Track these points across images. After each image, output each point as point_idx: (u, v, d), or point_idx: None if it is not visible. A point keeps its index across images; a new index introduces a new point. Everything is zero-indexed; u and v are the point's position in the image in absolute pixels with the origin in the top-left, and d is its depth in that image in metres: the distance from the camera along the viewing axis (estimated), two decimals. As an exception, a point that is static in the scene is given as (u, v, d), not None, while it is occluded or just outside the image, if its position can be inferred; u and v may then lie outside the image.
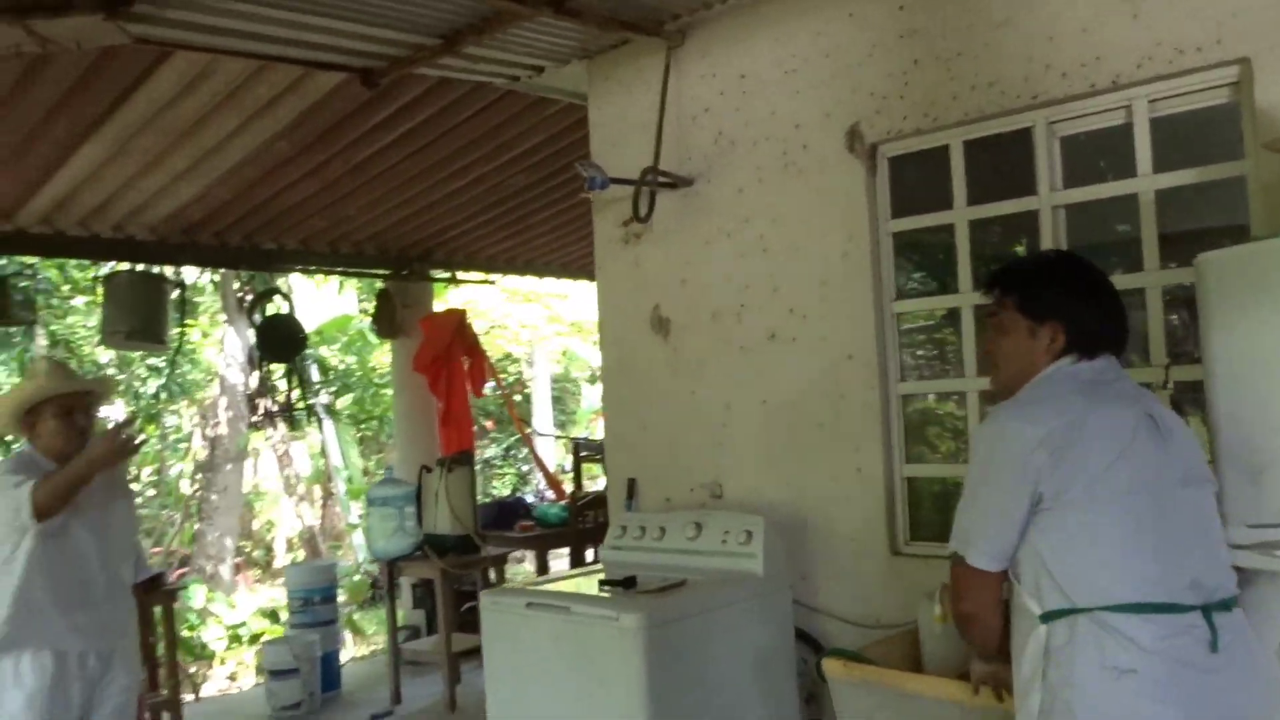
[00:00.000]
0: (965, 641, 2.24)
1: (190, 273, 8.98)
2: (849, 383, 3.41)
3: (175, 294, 6.11)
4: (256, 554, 10.63)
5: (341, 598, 9.16)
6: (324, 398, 9.74)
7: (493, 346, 12.21)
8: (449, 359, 6.70)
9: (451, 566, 5.53)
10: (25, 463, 3.17)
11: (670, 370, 3.90)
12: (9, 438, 5.88)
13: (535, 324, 12.65)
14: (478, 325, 12.05)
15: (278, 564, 10.15)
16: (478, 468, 12.77)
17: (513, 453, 13.40)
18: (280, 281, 9.16)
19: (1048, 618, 1.91)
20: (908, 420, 3.40)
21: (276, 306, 6.55)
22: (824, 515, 3.48)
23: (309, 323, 10.28)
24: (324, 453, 10.87)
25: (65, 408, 3.20)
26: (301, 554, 10.21)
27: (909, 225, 3.38)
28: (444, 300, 8.73)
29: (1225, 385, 2.09)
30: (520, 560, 9.44)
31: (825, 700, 3.40)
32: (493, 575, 5.79)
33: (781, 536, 3.41)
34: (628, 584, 3.21)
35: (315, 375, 9.78)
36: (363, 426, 10.61)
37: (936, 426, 3.60)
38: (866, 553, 3.39)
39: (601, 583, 3.29)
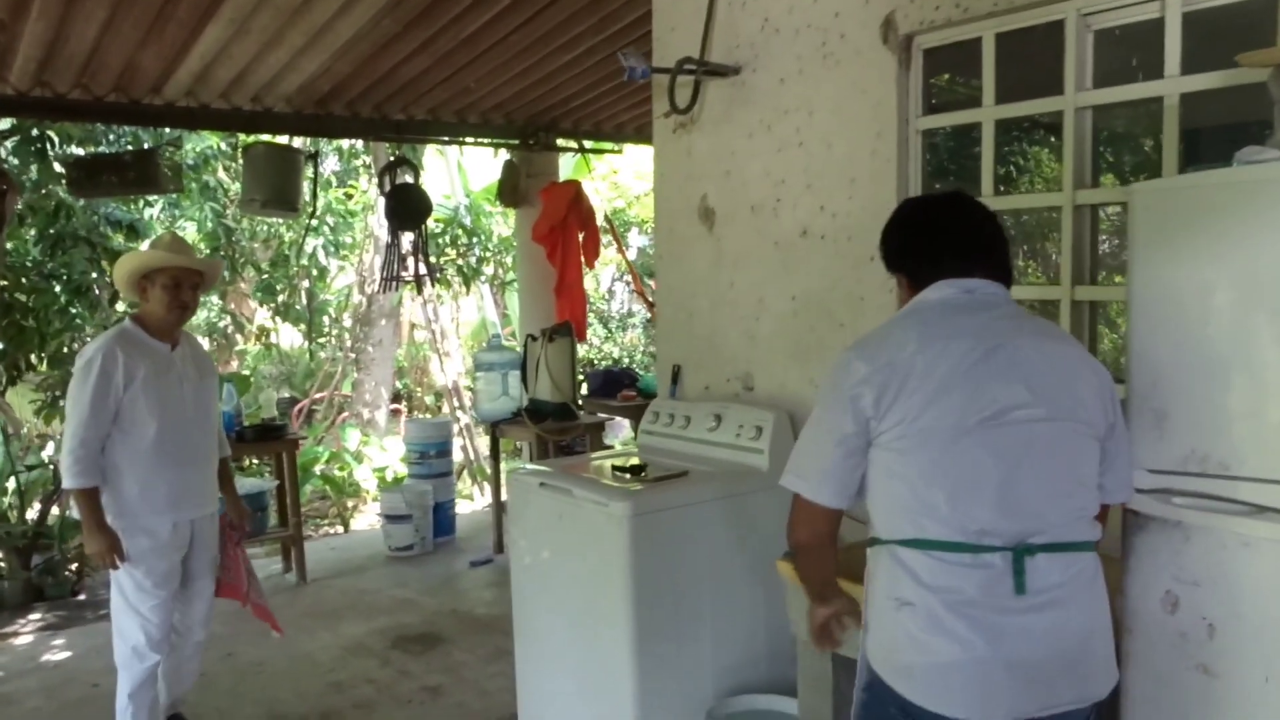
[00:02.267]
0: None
1: (343, 144, 9.52)
2: (869, 284, 3.36)
3: (308, 164, 6.47)
4: (429, 399, 11.42)
5: (485, 451, 9.81)
6: (474, 260, 10.16)
7: (651, 208, 12.26)
8: (565, 229, 6.87)
9: (546, 432, 5.85)
10: (119, 341, 3.45)
11: (713, 261, 3.93)
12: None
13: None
14: (638, 187, 12.22)
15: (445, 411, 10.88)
16: (640, 329, 13.16)
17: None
18: (434, 149, 9.58)
19: (869, 543, 1.99)
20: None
21: (405, 175, 6.85)
22: (842, 414, 3.49)
23: (468, 188, 10.76)
24: (483, 311, 11.45)
25: (175, 279, 3.50)
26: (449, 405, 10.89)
27: (938, 123, 3.23)
28: (585, 172, 8.86)
29: (1140, 323, 1.98)
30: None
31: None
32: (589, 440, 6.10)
33: (795, 433, 3.47)
34: (635, 471, 3.38)
35: (466, 240, 10.17)
36: (513, 285, 11.04)
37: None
38: (879, 454, 3.39)
39: (614, 468, 3.46)
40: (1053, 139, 3.10)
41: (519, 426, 6.03)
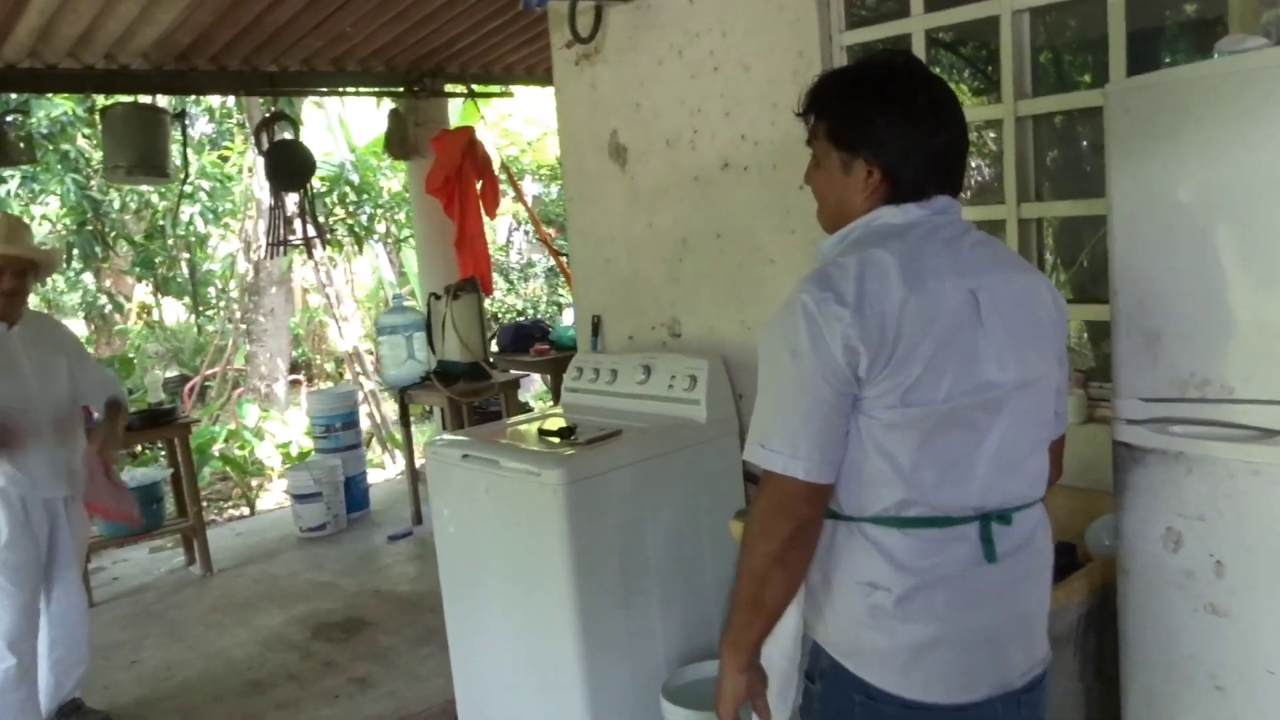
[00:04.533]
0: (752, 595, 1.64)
1: (215, 98, 8.89)
2: (800, 215, 3.14)
3: (175, 125, 5.97)
4: (328, 366, 10.93)
5: (394, 416, 9.42)
6: (365, 218, 9.67)
7: (545, 154, 11.89)
8: (461, 179, 6.50)
9: (459, 395, 5.55)
10: None
11: (629, 201, 3.66)
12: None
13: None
14: (530, 133, 11.80)
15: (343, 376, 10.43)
16: (542, 279, 12.81)
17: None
18: (313, 103, 9.02)
19: (831, 514, 1.62)
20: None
21: (284, 132, 6.37)
22: (778, 356, 3.29)
23: (352, 143, 10.20)
24: (379, 272, 10.97)
25: None
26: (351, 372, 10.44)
27: (863, 37, 3.01)
28: (475, 118, 8.44)
29: (1124, 237, 1.81)
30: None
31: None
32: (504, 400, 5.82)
33: (732, 380, 3.26)
34: (564, 434, 3.13)
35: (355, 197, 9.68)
36: (409, 243, 10.58)
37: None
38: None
39: (541, 431, 3.21)
40: (984, 50, 2.90)
41: (429, 391, 5.71)
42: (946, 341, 1.52)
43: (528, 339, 6.44)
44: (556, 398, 6.45)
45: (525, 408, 6.59)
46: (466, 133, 6.64)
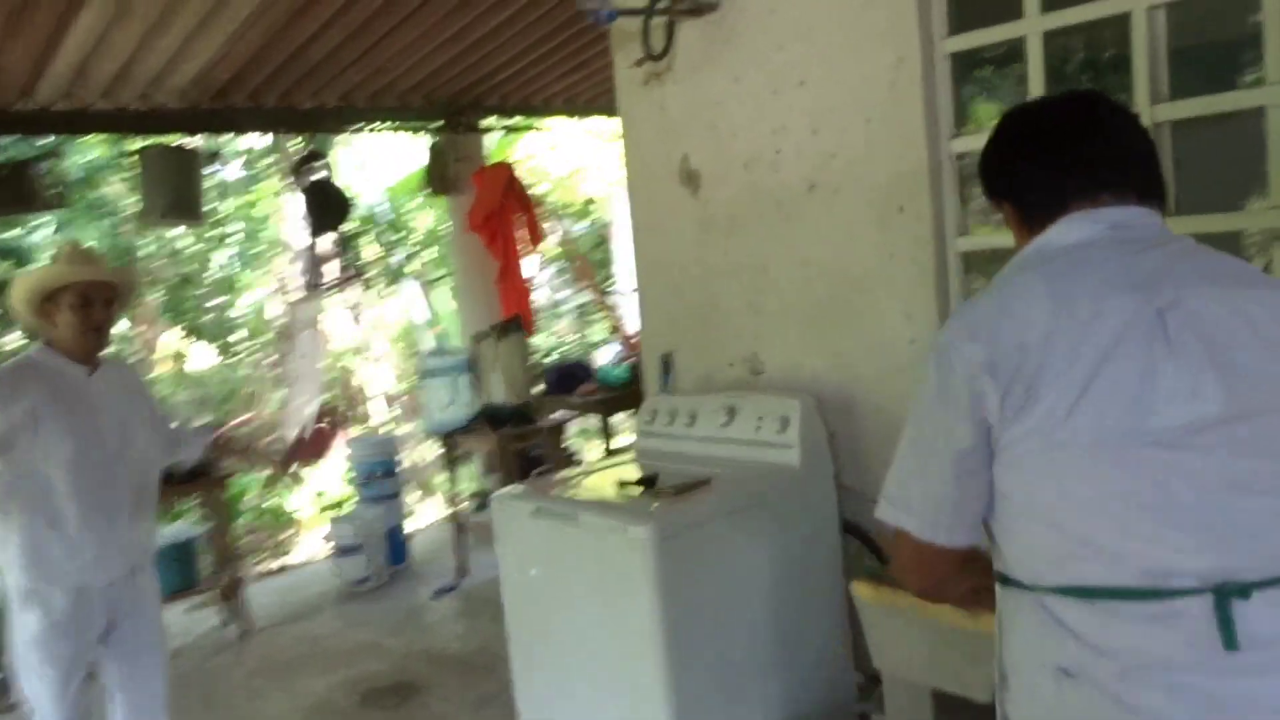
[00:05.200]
0: None
1: (248, 140, 8.74)
2: (899, 239, 2.87)
3: (210, 167, 5.78)
4: (357, 412, 10.72)
5: (431, 454, 9.16)
6: (399, 257, 9.49)
7: (573, 192, 11.72)
8: (502, 215, 6.28)
9: (508, 440, 5.29)
10: (16, 366, 2.82)
11: (702, 229, 3.40)
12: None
13: (616, 165, 12.04)
14: (558, 170, 11.61)
15: (375, 422, 10.21)
16: (573, 315, 12.58)
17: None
18: (339, 141, 8.86)
19: (1000, 581, 1.46)
20: (969, 281, 2.86)
21: (321, 171, 6.18)
22: (875, 392, 3.01)
23: (386, 180, 10.05)
24: (410, 313, 10.76)
25: (83, 296, 2.80)
26: (398, 411, 10.20)
27: (971, 43, 2.74)
28: (515, 151, 8.26)
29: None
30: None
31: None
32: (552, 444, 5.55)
33: (825, 420, 2.97)
34: (647, 483, 2.84)
35: (390, 235, 9.50)
36: (442, 283, 10.37)
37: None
38: (925, 436, 2.92)
39: (620, 482, 2.92)
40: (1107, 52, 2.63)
41: (476, 435, 5.45)
42: (1114, 358, 1.30)
43: (572, 379, 6.17)
44: (607, 440, 6.20)
45: (567, 452, 6.30)
46: (507, 168, 6.43)
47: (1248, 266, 1.49)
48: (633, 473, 3.01)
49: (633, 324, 9.47)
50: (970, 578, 1.53)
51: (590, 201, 12.64)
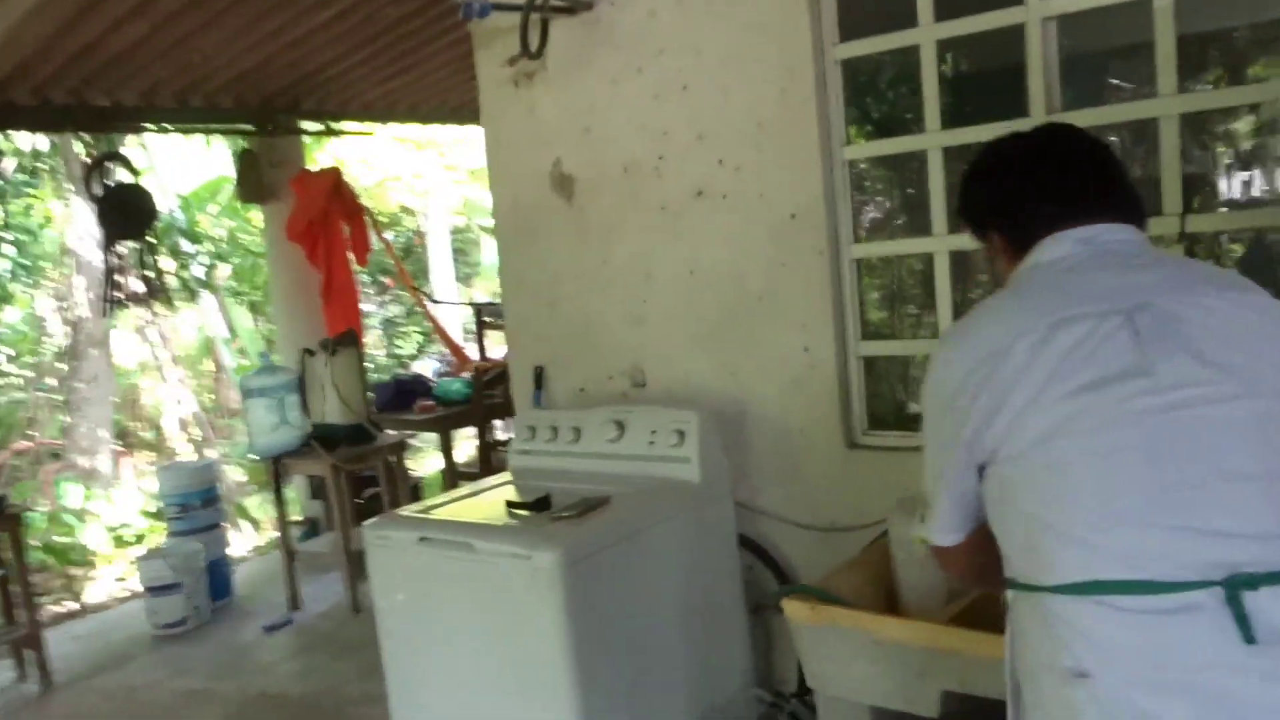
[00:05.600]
0: None
1: (25, 139, 7.89)
2: (792, 247, 2.83)
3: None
4: (148, 435, 9.88)
5: (242, 477, 8.54)
6: (197, 269, 8.81)
7: (384, 201, 11.31)
8: (326, 224, 5.91)
9: (343, 461, 4.96)
10: None
11: (578, 237, 3.27)
12: None
13: (428, 173, 11.69)
14: (366, 178, 11.17)
15: (171, 445, 9.43)
16: (380, 329, 12.10)
17: (416, 311, 12.60)
18: (134, 143, 8.15)
19: (1007, 585, 1.43)
20: (864, 289, 2.86)
21: (118, 174, 5.62)
22: (767, 404, 2.96)
23: (178, 186, 9.33)
24: (206, 329, 10.03)
25: None
26: (198, 434, 9.47)
27: (862, 50, 2.75)
28: (321, 157, 7.84)
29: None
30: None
31: (773, 611, 2.99)
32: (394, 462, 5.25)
33: (719, 432, 2.90)
34: (540, 506, 2.68)
35: (187, 246, 8.82)
36: (240, 297, 9.71)
37: (899, 296, 3.08)
38: (817, 446, 2.90)
39: (510, 505, 2.74)
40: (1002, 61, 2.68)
41: (308, 458, 5.08)
42: (1087, 357, 1.31)
43: (409, 396, 5.88)
44: (448, 459, 5.93)
45: (406, 473, 5.97)
46: (332, 174, 6.07)
47: (1223, 271, 1.52)
48: (518, 494, 2.84)
49: (456, 328, 9.22)
50: None
51: (402, 209, 12.23)
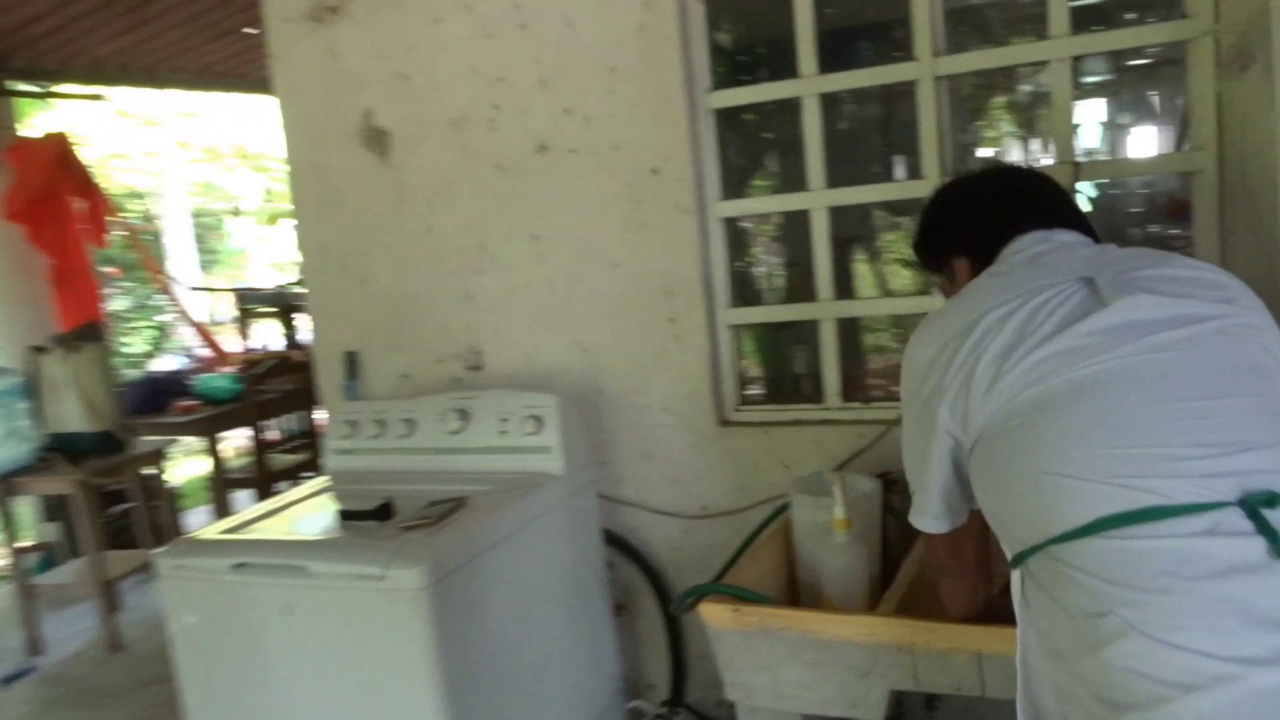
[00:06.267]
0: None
1: None
2: (654, 205, 2.55)
3: None
4: None
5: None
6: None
7: (109, 181, 10.10)
8: (53, 201, 5.06)
9: (93, 475, 4.23)
10: None
11: (396, 202, 2.84)
12: None
13: (162, 151, 10.56)
14: (87, 155, 9.91)
15: None
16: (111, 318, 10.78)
17: (148, 304, 11.34)
18: None
19: (1016, 561, 1.28)
20: (733, 250, 2.62)
21: None
22: (626, 382, 2.67)
23: None
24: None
25: None
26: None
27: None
28: (33, 124, 6.80)
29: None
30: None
31: (636, 610, 2.72)
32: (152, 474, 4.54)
33: (579, 417, 2.58)
34: (382, 514, 2.26)
35: None
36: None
37: (772, 256, 2.85)
38: (685, 425, 2.63)
39: (344, 514, 2.30)
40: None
41: (47, 475, 4.30)
42: (1064, 316, 1.29)
43: (163, 396, 5.15)
44: (217, 466, 5.23)
45: (166, 485, 5.21)
46: (57, 141, 5.19)
47: (1175, 255, 1.44)
48: (348, 502, 2.40)
49: (202, 319, 8.29)
50: None
51: (132, 192, 10.99)
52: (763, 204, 2.57)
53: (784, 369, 2.78)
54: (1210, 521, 1.09)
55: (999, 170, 1.78)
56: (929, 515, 1.46)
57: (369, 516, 2.26)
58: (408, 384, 2.91)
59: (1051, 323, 1.28)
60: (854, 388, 2.57)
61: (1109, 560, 1.12)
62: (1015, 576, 1.30)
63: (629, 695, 2.70)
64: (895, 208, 2.77)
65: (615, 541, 2.70)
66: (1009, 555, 1.30)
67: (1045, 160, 2.33)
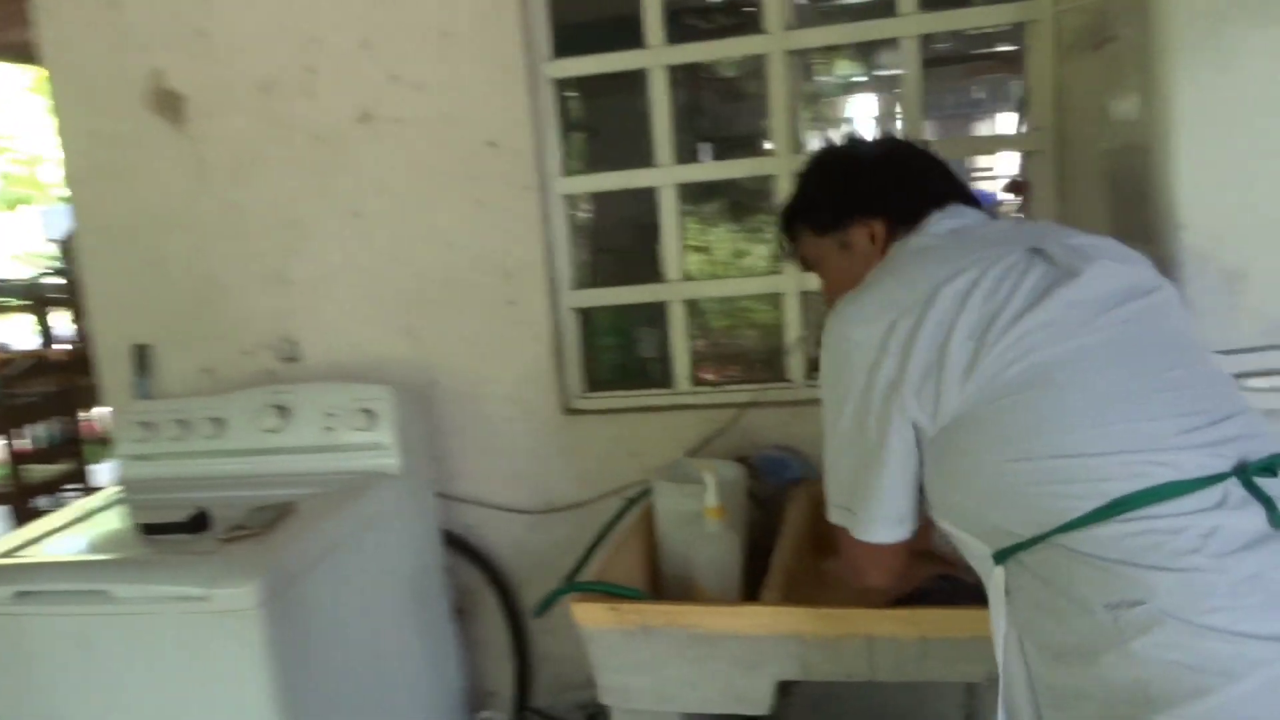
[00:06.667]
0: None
1: None
2: (491, 181, 2.38)
3: None
4: None
5: None
6: None
7: None
8: None
9: None
10: None
11: (193, 176, 2.53)
12: None
13: None
14: None
15: None
16: None
17: None
18: None
19: (1002, 556, 1.17)
20: (578, 230, 2.49)
21: None
22: (462, 371, 2.49)
23: None
24: None
25: None
26: None
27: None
28: None
29: (1190, 153, 1.47)
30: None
31: (475, 614, 2.56)
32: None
33: (414, 410, 2.38)
34: (196, 525, 1.99)
35: None
36: None
37: (619, 235, 2.73)
38: (527, 415, 2.48)
39: (148, 528, 2.02)
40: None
41: None
42: (1027, 289, 1.21)
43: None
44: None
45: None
46: None
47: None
48: (150, 514, 2.11)
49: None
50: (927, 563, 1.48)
51: None
52: (607, 181, 2.45)
53: (631, 354, 2.67)
54: (1220, 493, 1.05)
55: (903, 140, 1.64)
56: (881, 522, 1.28)
57: (180, 529, 1.98)
58: (210, 379, 2.60)
59: (1021, 295, 1.19)
60: (704, 371, 2.50)
61: (1130, 544, 1.04)
62: (997, 575, 1.17)
63: (473, 705, 2.53)
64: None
65: (453, 542, 2.52)
66: (986, 552, 1.18)
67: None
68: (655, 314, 2.51)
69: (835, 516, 1.34)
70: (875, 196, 1.45)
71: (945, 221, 1.38)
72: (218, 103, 2.48)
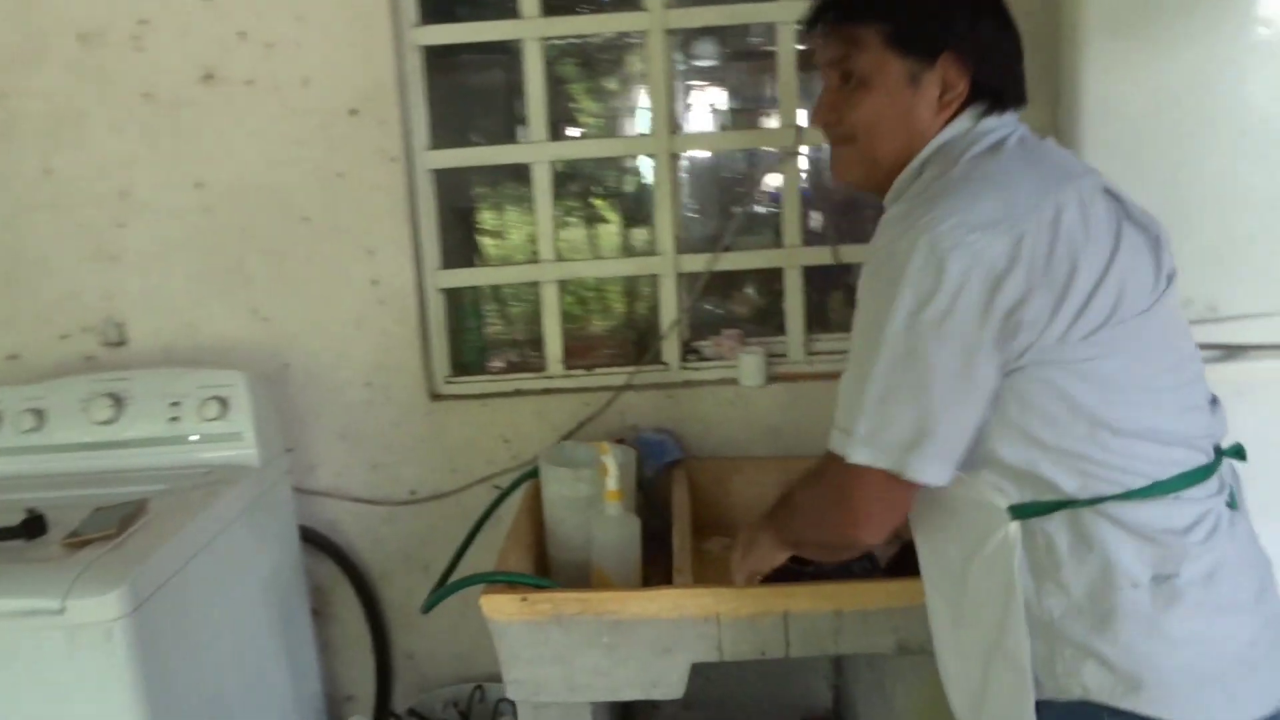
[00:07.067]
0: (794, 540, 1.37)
1: None
2: (353, 151, 2.23)
3: None
4: None
5: None
6: None
7: None
8: None
9: None
10: None
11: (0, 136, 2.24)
12: None
13: None
14: None
15: None
16: None
17: None
18: None
19: (1022, 511, 1.11)
20: (444, 206, 2.37)
21: None
22: (318, 356, 2.32)
23: None
24: None
25: None
26: None
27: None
28: None
29: (1096, 153, 1.55)
30: None
31: (335, 611, 2.42)
32: None
33: (269, 397, 2.20)
34: (32, 530, 1.76)
35: None
36: None
37: (486, 214, 2.60)
38: (389, 400, 2.35)
39: (-33, 536, 1.76)
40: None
41: None
42: (1113, 234, 1.10)
43: None
44: None
45: None
46: None
47: None
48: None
49: None
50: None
51: None
52: (478, 155, 2.34)
53: (501, 336, 2.57)
54: (1219, 479, 1.11)
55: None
56: (939, 461, 1.09)
57: (11, 535, 1.75)
58: (18, 367, 2.31)
59: (1111, 233, 1.08)
60: (575, 354, 2.44)
61: (1173, 522, 1.07)
62: (1013, 529, 1.11)
63: (333, 712, 2.38)
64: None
65: (308, 537, 2.35)
66: (1000, 505, 1.11)
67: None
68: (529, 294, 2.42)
69: (864, 455, 1.10)
70: (989, 49, 1.19)
71: (1019, 129, 1.20)
72: (26, 56, 2.19)
